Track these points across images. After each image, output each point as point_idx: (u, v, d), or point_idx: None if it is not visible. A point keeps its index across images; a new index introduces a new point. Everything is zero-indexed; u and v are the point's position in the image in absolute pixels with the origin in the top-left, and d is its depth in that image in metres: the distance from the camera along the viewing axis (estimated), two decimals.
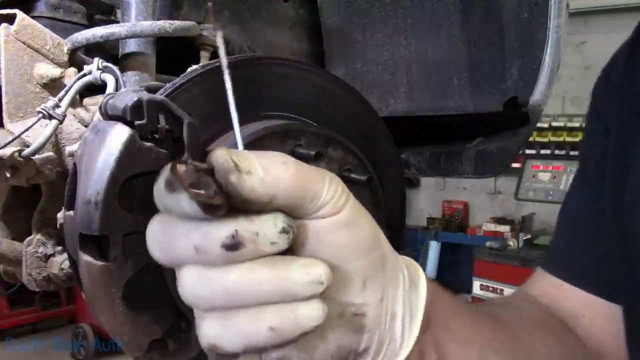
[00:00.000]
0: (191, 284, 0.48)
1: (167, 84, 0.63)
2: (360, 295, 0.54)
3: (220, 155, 0.47)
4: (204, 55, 0.96)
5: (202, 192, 0.44)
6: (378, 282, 0.55)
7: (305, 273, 0.48)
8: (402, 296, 0.57)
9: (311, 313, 0.49)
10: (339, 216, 0.52)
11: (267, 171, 0.48)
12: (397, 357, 0.57)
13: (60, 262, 0.82)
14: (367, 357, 0.55)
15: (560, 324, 0.87)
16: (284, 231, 0.48)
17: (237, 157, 0.47)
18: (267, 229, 0.47)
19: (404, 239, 0.83)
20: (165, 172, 0.47)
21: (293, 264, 0.49)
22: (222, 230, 0.46)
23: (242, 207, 0.47)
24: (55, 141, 0.80)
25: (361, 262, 0.54)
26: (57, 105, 0.74)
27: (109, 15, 1.05)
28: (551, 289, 0.91)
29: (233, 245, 0.46)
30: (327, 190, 0.51)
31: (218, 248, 0.46)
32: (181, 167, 0.45)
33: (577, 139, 5.77)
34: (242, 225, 0.46)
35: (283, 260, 0.49)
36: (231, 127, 0.65)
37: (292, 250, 0.50)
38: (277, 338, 0.48)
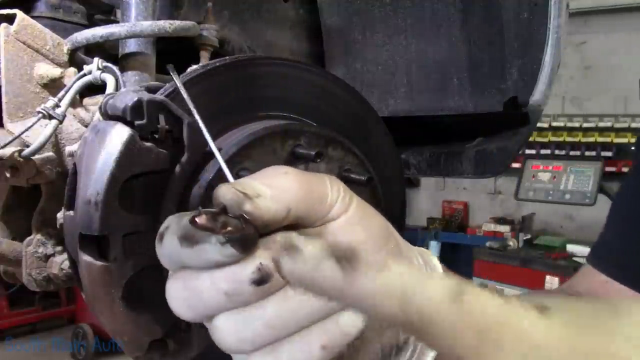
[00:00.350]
0: (232, 331, 0.47)
1: (167, 84, 0.63)
2: None
3: (225, 192, 0.47)
4: (204, 55, 0.96)
5: (232, 229, 0.44)
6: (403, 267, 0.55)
7: None
8: None
9: (353, 318, 0.48)
10: (350, 213, 0.52)
11: (273, 187, 0.49)
12: None
13: (60, 262, 0.82)
14: (408, 348, 0.55)
15: None
16: None
17: (240, 187, 0.48)
18: None
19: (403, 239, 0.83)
20: (173, 230, 0.46)
21: (324, 269, 0.47)
22: (247, 267, 0.45)
23: (264, 232, 0.47)
24: (55, 141, 0.80)
25: (381, 255, 0.53)
26: (57, 105, 0.74)
27: (109, 15, 1.05)
28: (598, 286, 0.89)
29: (262, 278, 0.45)
30: (330, 189, 0.52)
31: (248, 286, 0.45)
32: (202, 218, 0.45)
33: (577, 139, 5.78)
34: (263, 256, 0.46)
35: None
36: (231, 127, 0.65)
37: None
38: (328, 355, 0.48)
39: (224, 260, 0.44)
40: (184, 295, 0.47)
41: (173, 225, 0.47)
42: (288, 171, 0.51)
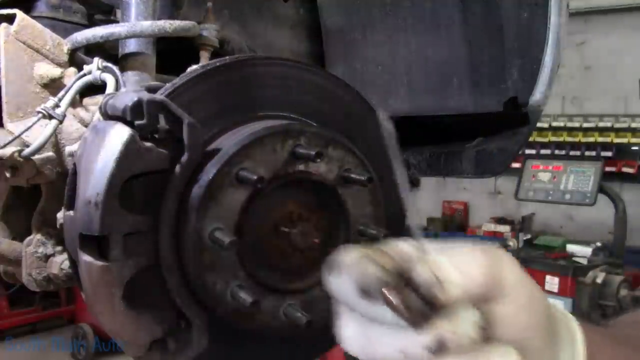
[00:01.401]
0: None
1: (167, 84, 0.63)
2: None
3: (423, 272, 0.48)
4: (204, 55, 0.96)
5: (411, 307, 0.46)
6: (555, 353, 0.54)
7: None
8: None
9: None
10: (521, 298, 0.52)
11: (463, 274, 0.49)
12: None
13: (60, 262, 0.82)
14: None
15: None
16: (479, 326, 0.49)
17: (434, 267, 0.49)
18: (465, 326, 0.48)
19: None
20: (352, 274, 0.48)
21: (492, 356, 0.49)
22: (426, 334, 0.47)
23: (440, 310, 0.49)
24: (55, 141, 0.80)
25: (543, 340, 0.53)
26: (57, 105, 0.74)
27: (109, 15, 1.05)
28: None
29: (438, 348, 0.47)
30: (510, 271, 0.52)
31: (422, 351, 0.47)
32: (392, 293, 0.46)
33: (577, 139, 5.78)
34: (443, 327, 0.47)
35: (482, 353, 0.49)
36: (231, 127, 0.65)
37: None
38: None
39: (397, 323, 0.46)
40: (360, 341, 0.50)
41: (354, 267, 0.49)
42: (476, 254, 0.51)
